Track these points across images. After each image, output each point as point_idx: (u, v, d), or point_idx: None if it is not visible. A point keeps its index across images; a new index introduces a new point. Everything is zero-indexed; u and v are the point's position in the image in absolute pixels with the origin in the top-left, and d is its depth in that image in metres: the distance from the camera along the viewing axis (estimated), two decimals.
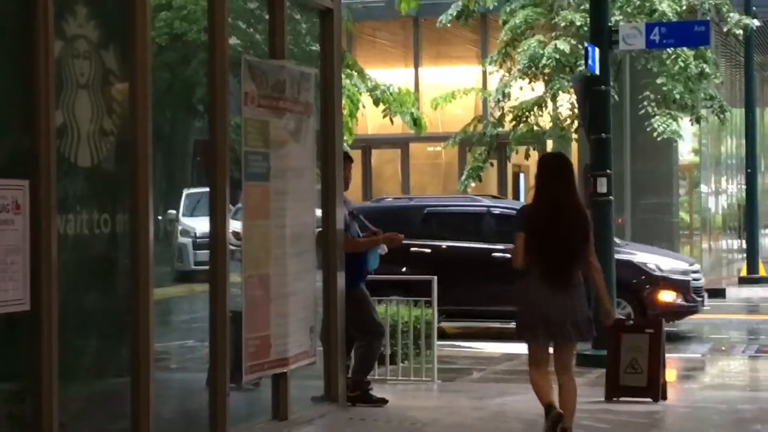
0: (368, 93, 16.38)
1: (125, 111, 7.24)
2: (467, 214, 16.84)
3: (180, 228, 10.24)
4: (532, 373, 8.28)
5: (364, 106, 16.70)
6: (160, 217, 8.14)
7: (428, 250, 15.91)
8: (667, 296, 16.16)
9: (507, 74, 23.64)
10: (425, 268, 14.32)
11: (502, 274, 15.63)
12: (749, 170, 27.98)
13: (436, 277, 11.98)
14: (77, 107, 6.79)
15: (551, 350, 8.29)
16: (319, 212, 9.76)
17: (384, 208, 17.10)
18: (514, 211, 15.57)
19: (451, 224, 16.84)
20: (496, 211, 16.79)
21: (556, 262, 8.05)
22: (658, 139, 22.96)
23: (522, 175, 30.66)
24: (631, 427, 9.31)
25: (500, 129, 24.02)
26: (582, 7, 21.55)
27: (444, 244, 16.49)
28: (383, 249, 10.31)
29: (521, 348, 14.86)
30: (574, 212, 8.18)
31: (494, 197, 18.36)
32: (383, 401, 10.15)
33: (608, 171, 13.38)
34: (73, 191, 6.85)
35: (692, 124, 24.76)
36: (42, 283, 6.38)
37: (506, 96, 23.58)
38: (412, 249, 15.98)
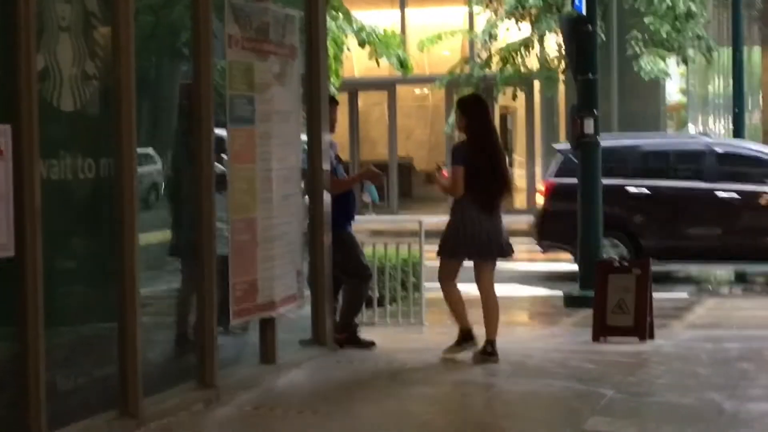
0: (354, 35, 16.27)
1: (108, 54, 7.16)
2: (688, 153, 16.27)
3: None
4: (452, 290, 9.63)
5: (349, 49, 16.60)
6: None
7: (646, 191, 15.57)
8: None
9: (494, 15, 23.55)
10: (644, 208, 14.04)
11: (724, 214, 15.56)
12: (736, 110, 27.88)
13: (423, 219, 11.96)
14: (59, 51, 6.72)
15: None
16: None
17: None
18: (742, 150, 15.55)
19: (670, 163, 16.30)
20: (719, 149, 16.35)
21: (494, 192, 9.47)
22: (646, 78, 22.90)
23: (509, 117, 30.60)
24: (619, 367, 9.35)
25: (487, 70, 23.95)
26: None
27: (664, 183, 15.94)
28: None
29: (508, 290, 14.93)
30: (500, 148, 9.76)
31: (703, 134, 17.89)
32: (371, 344, 10.18)
33: (595, 112, 13.34)
34: (56, 136, 6.79)
35: (678, 65, 24.70)
36: (26, 229, 6.34)
37: (493, 37, 23.50)
38: (630, 189, 15.83)
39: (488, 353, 9.51)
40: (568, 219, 13.89)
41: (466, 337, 9.71)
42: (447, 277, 9.66)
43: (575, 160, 13.90)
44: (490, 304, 9.60)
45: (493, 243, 9.50)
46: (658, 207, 15.50)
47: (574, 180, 13.81)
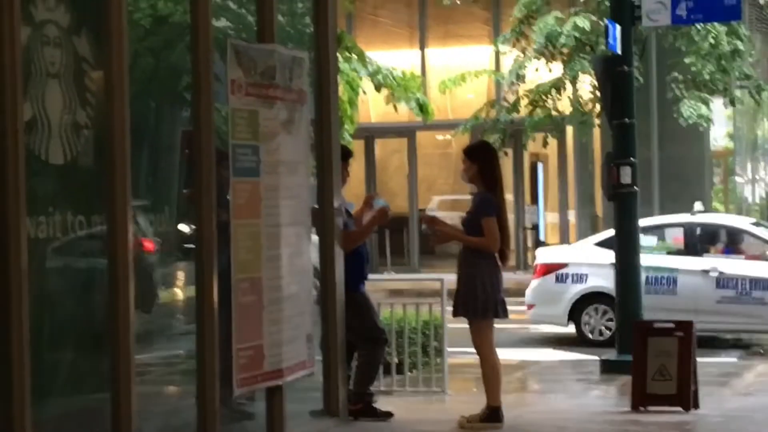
0: (369, 78, 16.36)
1: (101, 102, 7.24)
2: None
3: None
4: (496, 358, 9.63)
5: (365, 92, 16.68)
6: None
7: None
8: None
9: (522, 54, 23.62)
10: None
11: None
12: None
13: (444, 278, 11.97)
14: (47, 99, 6.80)
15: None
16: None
17: None
18: None
19: None
20: None
21: (508, 244, 9.73)
22: (684, 125, 22.94)
23: (540, 165, 30.66)
24: None
25: (515, 114, 24.01)
26: None
27: None
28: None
29: (537, 355, 14.90)
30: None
31: None
32: (389, 415, 10.16)
33: (632, 159, 13.37)
34: (44, 191, 6.86)
35: (726, 107, 24.70)
36: (11, 292, 6.39)
37: (521, 78, 23.56)
38: None
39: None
40: None
41: (494, 415, 9.67)
42: (491, 341, 9.67)
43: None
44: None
45: (502, 298, 9.71)
46: None
47: None
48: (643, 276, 13.97)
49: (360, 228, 10.30)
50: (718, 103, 24.02)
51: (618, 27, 13.30)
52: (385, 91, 16.81)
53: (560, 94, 23.50)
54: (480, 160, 9.80)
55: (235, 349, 8.40)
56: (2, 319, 6.35)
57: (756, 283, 15.44)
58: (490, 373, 9.64)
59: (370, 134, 28.54)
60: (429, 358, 12.18)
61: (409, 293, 19.83)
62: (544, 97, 23.41)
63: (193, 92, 8.26)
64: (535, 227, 29.65)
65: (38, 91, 6.74)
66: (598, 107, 22.39)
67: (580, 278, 16.17)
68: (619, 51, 13.34)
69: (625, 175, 13.35)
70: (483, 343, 9.65)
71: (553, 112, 23.62)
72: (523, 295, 17.06)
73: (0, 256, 6.36)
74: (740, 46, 22.51)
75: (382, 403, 10.34)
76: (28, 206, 6.51)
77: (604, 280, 15.52)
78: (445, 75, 25.13)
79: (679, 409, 10.35)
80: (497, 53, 26.23)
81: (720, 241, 16.66)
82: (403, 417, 10.22)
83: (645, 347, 10.56)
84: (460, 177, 10.21)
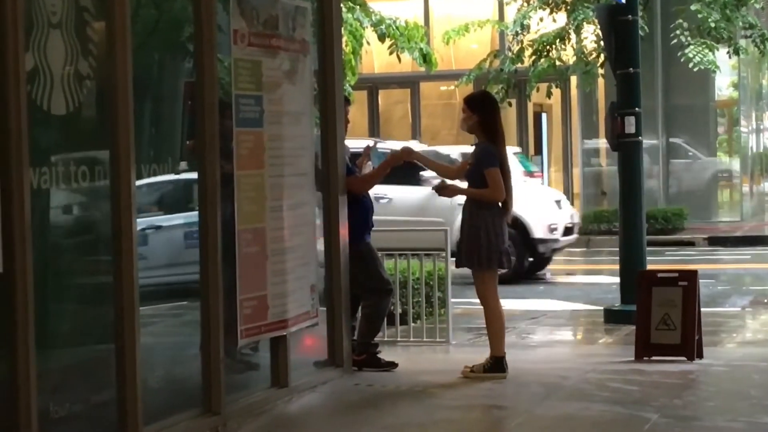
0: (372, 28, 16.30)
1: (103, 52, 7.21)
2: None
3: None
4: (501, 308, 9.73)
5: (368, 43, 16.63)
6: None
7: None
8: None
9: (526, 4, 23.51)
10: None
11: None
12: None
13: (448, 228, 11.97)
14: (49, 49, 6.76)
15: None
16: None
17: None
18: None
19: None
20: None
21: (511, 195, 9.71)
22: (694, 69, 22.82)
23: (544, 115, 30.59)
24: (663, 388, 9.34)
25: (519, 65, 23.92)
26: None
27: None
28: None
29: (542, 305, 14.93)
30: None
31: None
32: (393, 365, 10.19)
33: (637, 109, 13.33)
34: (46, 141, 6.84)
35: (730, 57, 24.59)
36: (15, 243, 6.38)
37: (525, 28, 23.45)
38: None
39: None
40: None
41: (498, 365, 9.73)
42: (495, 291, 9.75)
43: None
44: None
45: (506, 250, 9.74)
46: None
47: None
48: None
49: (373, 171, 10.35)
50: (722, 53, 23.91)
51: None
52: (388, 42, 16.76)
53: (564, 44, 23.39)
54: (480, 110, 9.81)
55: (240, 300, 8.42)
56: (7, 270, 6.35)
57: None
58: (494, 323, 9.68)
59: (373, 85, 28.46)
60: (433, 308, 12.20)
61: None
62: (548, 47, 23.30)
63: (195, 42, 8.23)
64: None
65: (40, 42, 6.70)
66: (601, 57, 22.30)
67: None
68: (623, 0, 13.27)
69: (630, 125, 13.32)
70: (487, 294, 9.68)
71: (557, 62, 23.53)
72: None
73: (3, 207, 6.35)
74: None
75: (386, 354, 10.38)
76: (30, 157, 6.50)
77: None
78: (448, 25, 25.01)
79: (683, 358, 10.38)
80: (501, 3, 26.11)
81: None
82: (407, 367, 10.26)
83: (649, 297, 10.58)
84: (459, 126, 10.19)
